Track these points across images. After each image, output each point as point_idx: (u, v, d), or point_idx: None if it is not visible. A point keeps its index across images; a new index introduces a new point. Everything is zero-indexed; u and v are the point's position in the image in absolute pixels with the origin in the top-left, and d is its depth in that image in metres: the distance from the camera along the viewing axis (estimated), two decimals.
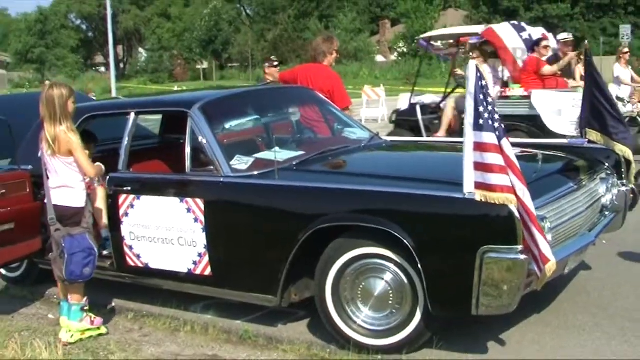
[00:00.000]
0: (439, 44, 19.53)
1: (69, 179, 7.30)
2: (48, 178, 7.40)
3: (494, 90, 14.86)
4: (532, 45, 15.85)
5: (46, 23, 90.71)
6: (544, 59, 15.62)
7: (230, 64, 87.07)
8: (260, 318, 7.63)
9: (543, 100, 14.78)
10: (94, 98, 23.01)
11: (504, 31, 16.21)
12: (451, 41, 18.78)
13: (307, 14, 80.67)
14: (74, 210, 7.34)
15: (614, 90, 15.38)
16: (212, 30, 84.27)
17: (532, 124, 14.72)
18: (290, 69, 11.70)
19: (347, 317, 6.70)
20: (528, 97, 15.11)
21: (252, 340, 7.14)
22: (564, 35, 16.60)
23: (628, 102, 15.09)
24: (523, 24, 17.24)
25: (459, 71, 17.03)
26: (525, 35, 16.16)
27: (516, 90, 15.68)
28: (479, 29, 17.28)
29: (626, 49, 18.29)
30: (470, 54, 16.27)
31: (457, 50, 18.46)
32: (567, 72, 16.25)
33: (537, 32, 16.91)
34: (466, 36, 17.30)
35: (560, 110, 14.44)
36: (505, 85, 16.36)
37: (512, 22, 17.77)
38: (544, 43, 15.56)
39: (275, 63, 14.25)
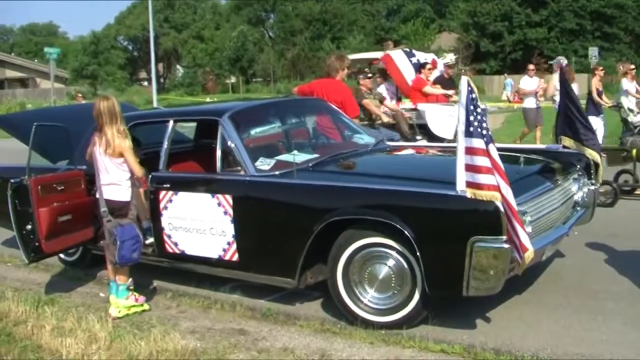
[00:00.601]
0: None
1: (118, 177, 7.39)
2: (99, 176, 7.47)
3: (391, 104, 16.09)
4: (419, 68, 17.22)
5: (98, 44, 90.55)
6: (431, 78, 17.28)
7: (254, 79, 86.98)
8: (280, 298, 7.63)
9: (426, 111, 16.12)
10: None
11: (398, 57, 17.63)
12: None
13: (321, 36, 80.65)
14: (121, 203, 7.42)
15: (625, 102, 15.45)
16: (239, 50, 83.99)
17: (424, 130, 15.80)
18: (308, 83, 11.72)
19: (355, 297, 6.72)
20: (416, 109, 16.46)
21: (273, 317, 7.15)
22: (447, 60, 19.55)
23: (638, 112, 15.05)
24: (413, 51, 18.70)
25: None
26: (414, 60, 17.63)
27: (406, 104, 17.08)
28: (380, 54, 19.08)
29: (601, 67, 18.41)
30: (376, 74, 18.30)
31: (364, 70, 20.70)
32: (448, 85, 17.47)
33: (428, 57, 18.92)
34: (375, 60, 20.08)
35: (440, 120, 15.82)
36: (399, 99, 17.82)
37: (404, 49, 18.90)
38: (427, 66, 16.98)
39: (370, 75, 14.37)
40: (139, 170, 7.42)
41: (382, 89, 17.12)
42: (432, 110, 16.13)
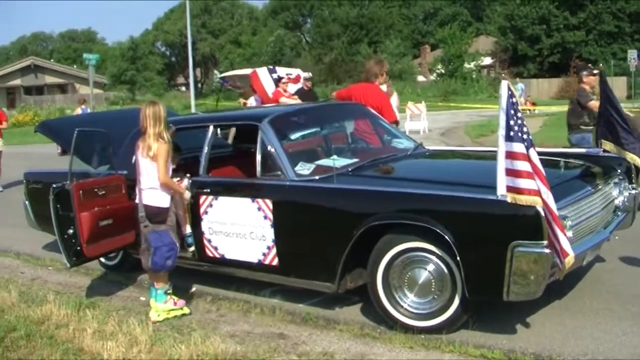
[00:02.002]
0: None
1: (156, 181, 7.40)
2: (139, 180, 7.54)
3: None
4: (277, 82, 19.50)
5: (136, 50, 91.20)
6: (293, 90, 19.38)
7: None
8: (320, 302, 7.64)
9: None
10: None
11: (262, 73, 20.38)
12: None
13: (358, 40, 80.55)
14: (159, 209, 7.43)
15: None
16: (276, 55, 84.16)
17: None
18: (346, 87, 11.70)
19: (395, 302, 6.71)
20: None
21: (313, 321, 7.16)
22: (306, 75, 21.07)
23: None
24: (276, 68, 21.76)
25: (243, 100, 22.15)
26: (275, 75, 20.26)
27: None
28: (249, 71, 22.23)
29: None
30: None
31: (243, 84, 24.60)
32: (307, 96, 18.95)
33: (294, 72, 22.01)
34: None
35: None
36: None
37: (269, 67, 22.13)
38: (283, 81, 19.10)
39: (595, 71, 14.64)
40: (163, 177, 7.35)
41: (252, 101, 20.27)
42: None
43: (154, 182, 7.42)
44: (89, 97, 37.56)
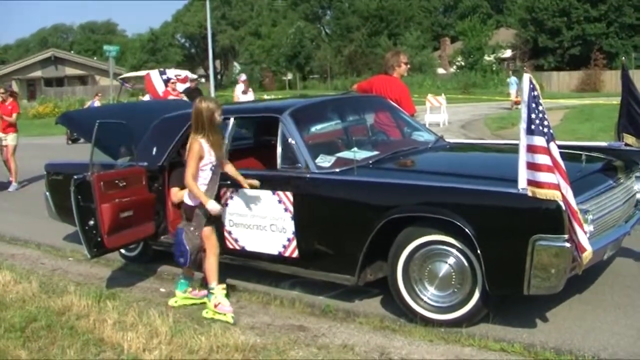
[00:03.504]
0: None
1: None
2: None
3: None
4: (166, 83, 24.03)
5: (156, 42, 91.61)
6: (181, 90, 23.55)
7: (311, 76, 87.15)
8: (339, 294, 7.65)
9: None
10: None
11: (154, 75, 24.74)
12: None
13: (378, 32, 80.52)
14: (187, 206, 7.30)
15: None
16: (296, 47, 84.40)
17: None
18: (367, 80, 11.66)
19: (415, 295, 6.71)
20: None
21: (333, 314, 7.17)
22: (192, 76, 27.25)
23: None
24: (166, 70, 26.37)
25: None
26: (165, 77, 24.52)
27: None
28: (145, 73, 26.81)
29: None
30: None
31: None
32: (194, 94, 21.69)
33: (182, 73, 27.43)
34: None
35: None
36: None
37: (160, 69, 26.95)
38: (172, 81, 23.68)
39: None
40: (188, 180, 7.07)
41: (147, 97, 24.55)
42: None
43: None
44: (109, 88, 37.59)
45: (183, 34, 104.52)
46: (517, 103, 40.11)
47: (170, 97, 21.64)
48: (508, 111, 35.87)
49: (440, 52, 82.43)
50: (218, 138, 7.22)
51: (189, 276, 7.72)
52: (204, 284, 7.61)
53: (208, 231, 7.31)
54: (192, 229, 7.20)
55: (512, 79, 42.28)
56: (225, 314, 7.15)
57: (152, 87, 24.29)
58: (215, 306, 7.22)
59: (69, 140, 27.45)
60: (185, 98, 20.67)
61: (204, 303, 7.47)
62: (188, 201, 7.26)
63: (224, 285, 7.39)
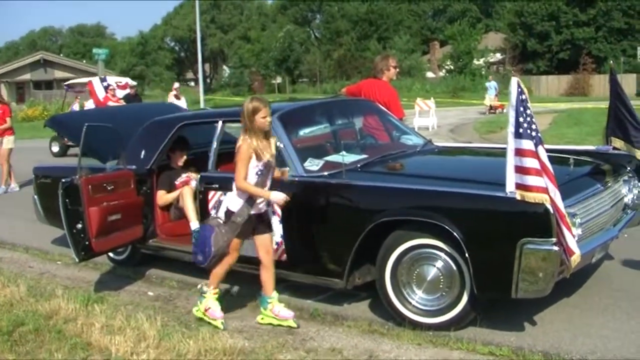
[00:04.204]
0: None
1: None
2: None
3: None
4: (107, 89, 26.45)
5: (146, 45, 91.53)
6: (121, 97, 26.14)
7: (300, 79, 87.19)
8: (328, 298, 7.66)
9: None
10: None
11: (95, 82, 27.19)
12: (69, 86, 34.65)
13: (367, 36, 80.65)
14: (229, 211, 6.75)
15: None
16: (285, 51, 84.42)
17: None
18: (356, 83, 11.66)
19: (404, 298, 6.72)
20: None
21: (321, 317, 7.17)
22: (132, 83, 29.57)
23: None
24: (107, 77, 29.08)
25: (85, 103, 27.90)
26: (105, 84, 26.89)
27: None
28: (88, 80, 29.33)
29: None
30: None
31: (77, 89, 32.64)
32: (133, 99, 25.66)
33: (123, 80, 30.59)
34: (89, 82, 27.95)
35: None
36: None
37: (101, 77, 29.23)
38: (110, 87, 26.34)
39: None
40: (239, 182, 6.60)
41: (90, 103, 26.87)
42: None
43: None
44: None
45: (172, 37, 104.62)
46: (492, 108, 40.09)
47: (110, 103, 24.86)
48: (497, 115, 35.87)
49: (430, 56, 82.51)
50: (265, 140, 6.71)
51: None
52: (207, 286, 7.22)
53: (236, 244, 6.91)
54: (223, 231, 6.72)
55: (492, 84, 42.12)
56: (215, 319, 7.06)
57: (94, 93, 26.72)
58: (206, 310, 7.13)
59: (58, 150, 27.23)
60: (123, 103, 24.43)
61: (290, 327, 6.99)
62: (230, 205, 6.76)
63: (217, 291, 7.22)
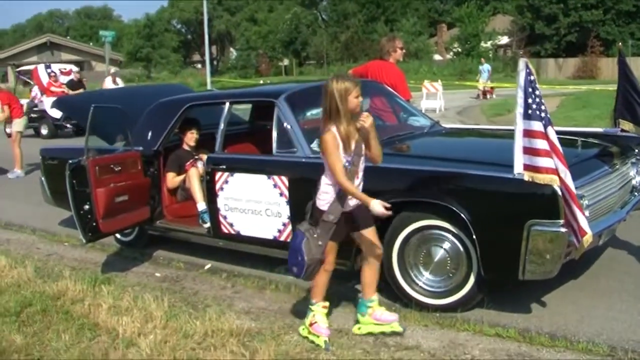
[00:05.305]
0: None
1: (324, 179, 6.04)
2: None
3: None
4: (49, 75, 27.84)
5: (152, 27, 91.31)
6: (64, 82, 28.38)
7: (307, 62, 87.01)
8: (334, 279, 7.60)
9: (47, 101, 26.39)
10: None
11: (40, 68, 28.70)
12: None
13: (374, 18, 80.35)
14: (319, 211, 5.97)
15: None
16: (292, 33, 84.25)
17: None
18: (363, 65, 11.64)
19: (411, 280, 6.72)
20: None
21: (328, 298, 7.15)
22: (76, 69, 30.98)
23: None
24: (51, 65, 30.60)
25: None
26: (49, 70, 28.40)
27: (43, 98, 27.48)
28: (33, 67, 31.11)
29: None
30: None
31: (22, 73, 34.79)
32: (76, 86, 27.85)
33: (67, 66, 32.06)
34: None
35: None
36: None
37: (46, 64, 31.28)
38: (52, 74, 27.93)
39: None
40: (340, 178, 5.76)
41: (35, 89, 28.37)
42: (49, 100, 25.33)
43: (324, 180, 6.03)
44: (104, 74, 37.54)
45: (179, 19, 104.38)
46: (485, 93, 39.77)
47: (52, 88, 27.02)
48: (504, 98, 35.70)
49: (437, 39, 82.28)
50: (353, 124, 5.81)
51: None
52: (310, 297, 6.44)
53: (331, 247, 6.07)
54: (315, 236, 5.89)
55: (485, 67, 41.65)
56: (319, 336, 6.14)
57: (39, 79, 27.98)
58: (311, 325, 6.23)
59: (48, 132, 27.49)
60: (67, 90, 26.83)
61: (395, 332, 6.26)
62: (318, 203, 6.00)
63: (327, 304, 6.35)
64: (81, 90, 25.87)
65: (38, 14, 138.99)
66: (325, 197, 5.94)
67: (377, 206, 5.66)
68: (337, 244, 6.11)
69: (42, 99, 27.44)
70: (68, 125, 26.29)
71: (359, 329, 6.34)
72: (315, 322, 6.20)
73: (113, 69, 30.51)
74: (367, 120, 5.77)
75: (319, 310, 6.25)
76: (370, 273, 6.27)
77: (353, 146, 5.82)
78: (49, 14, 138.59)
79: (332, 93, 5.74)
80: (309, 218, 6.01)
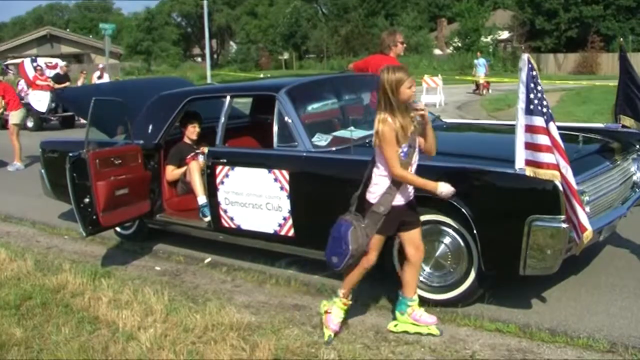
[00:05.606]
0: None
1: (376, 169, 5.90)
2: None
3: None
4: (36, 69, 27.92)
5: (152, 20, 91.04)
6: (50, 76, 28.56)
7: (307, 55, 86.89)
8: (335, 273, 7.59)
9: (32, 94, 27.24)
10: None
11: (26, 62, 29.03)
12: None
13: (374, 12, 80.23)
14: (368, 203, 5.87)
15: None
16: (292, 26, 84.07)
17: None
18: (363, 59, 11.63)
19: None
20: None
21: (328, 293, 7.13)
22: (62, 63, 31.35)
23: None
24: (37, 59, 31.16)
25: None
26: (35, 64, 28.56)
27: (30, 91, 27.76)
28: (20, 61, 33.17)
29: None
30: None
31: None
32: (62, 79, 28.76)
33: (54, 60, 32.59)
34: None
35: (39, 99, 26.83)
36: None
37: (32, 57, 32.11)
38: (38, 67, 28.02)
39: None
40: (396, 170, 5.68)
41: (22, 83, 29.02)
42: (35, 93, 26.99)
43: (375, 171, 5.93)
44: (104, 67, 37.61)
45: (179, 12, 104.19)
46: (478, 87, 39.45)
47: (38, 82, 27.21)
48: (505, 92, 35.64)
49: (437, 33, 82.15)
50: (407, 115, 5.74)
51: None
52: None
53: (376, 241, 5.91)
54: (363, 226, 5.76)
55: (480, 61, 41.26)
56: (327, 328, 6.13)
57: (24, 73, 28.47)
58: (326, 312, 6.20)
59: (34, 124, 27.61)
60: (53, 83, 27.36)
61: (432, 334, 6.12)
62: (369, 196, 5.88)
63: (349, 302, 6.23)
64: (67, 84, 28.00)
65: (38, 7, 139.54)
66: (376, 189, 5.84)
67: (446, 187, 5.73)
68: (382, 240, 5.97)
69: (28, 92, 27.86)
70: (52, 118, 27.79)
71: (396, 326, 6.25)
72: (331, 313, 6.16)
73: (101, 64, 31.88)
74: (424, 111, 5.78)
75: (339, 304, 6.17)
76: (411, 272, 6.16)
77: (409, 138, 5.73)
78: (49, 6, 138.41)
79: (384, 84, 5.68)
80: (354, 210, 5.88)
